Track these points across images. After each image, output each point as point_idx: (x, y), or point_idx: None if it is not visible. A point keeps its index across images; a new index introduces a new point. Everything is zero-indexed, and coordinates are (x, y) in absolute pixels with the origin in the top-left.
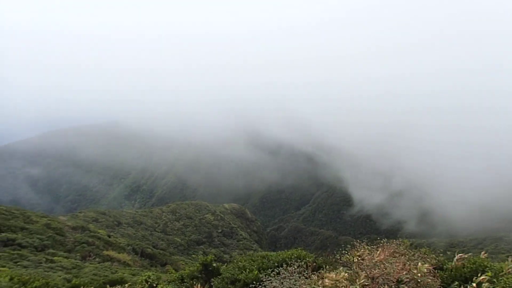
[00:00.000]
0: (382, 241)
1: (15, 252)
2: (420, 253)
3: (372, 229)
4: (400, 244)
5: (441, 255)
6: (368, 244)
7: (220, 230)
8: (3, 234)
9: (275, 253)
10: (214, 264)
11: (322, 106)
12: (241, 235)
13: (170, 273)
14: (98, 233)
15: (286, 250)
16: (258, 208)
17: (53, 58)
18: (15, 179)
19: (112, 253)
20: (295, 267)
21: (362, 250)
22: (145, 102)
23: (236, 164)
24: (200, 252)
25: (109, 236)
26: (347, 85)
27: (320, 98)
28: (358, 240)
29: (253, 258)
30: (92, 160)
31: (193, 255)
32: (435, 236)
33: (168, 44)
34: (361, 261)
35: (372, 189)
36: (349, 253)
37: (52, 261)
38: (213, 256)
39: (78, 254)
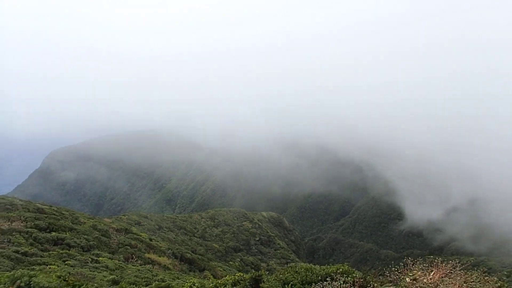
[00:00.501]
0: (436, 260)
1: (63, 251)
2: (479, 275)
3: (417, 244)
4: (456, 265)
5: (504, 278)
6: (415, 260)
7: (257, 238)
8: (53, 233)
9: (319, 266)
10: (265, 279)
11: (373, 112)
12: (278, 244)
13: (209, 279)
14: (140, 236)
15: (330, 265)
16: (296, 217)
17: (112, 75)
18: (64, 181)
19: (153, 256)
20: (341, 282)
21: (415, 269)
22: (188, 112)
23: (275, 172)
24: (238, 259)
25: (151, 240)
26: (402, 88)
27: (369, 103)
28: (410, 258)
29: (296, 270)
30: (136, 165)
31: (230, 262)
32: (495, 256)
33: (209, 55)
34: (413, 281)
35: (424, 203)
36: (398, 271)
37: (97, 261)
38: (265, 271)
39: (122, 255)
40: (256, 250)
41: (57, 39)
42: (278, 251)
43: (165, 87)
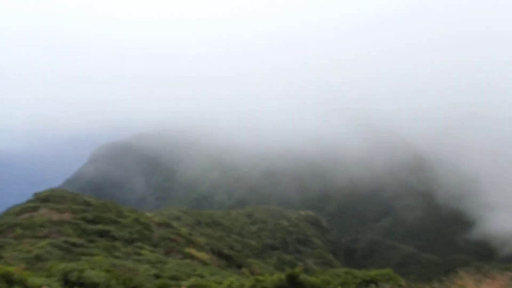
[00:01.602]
0: (487, 267)
1: (109, 243)
2: None
3: (465, 249)
4: None
5: None
6: (464, 267)
7: (294, 237)
8: (99, 226)
9: (360, 271)
10: (302, 277)
11: (436, 110)
12: (315, 243)
13: (246, 277)
14: (180, 230)
15: (374, 269)
16: (334, 217)
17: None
18: (108, 175)
19: (192, 251)
20: None
21: (466, 279)
22: (218, 109)
23: (312, 170)
24: (275, 257)
25: (190, 234)
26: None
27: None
28: (455, 264)
29: (336, 272)
30: (174, 162)
31: (267, 260)
32: None
33: (234, 52)
34: None
35: (485, 205)
36: (446, 279)
37: (139, 254)
38: (301, 268)
39: (162, 249)
40: (293, 249)
41: (96, 42)
42: (315, 251)
43: (193, 85)
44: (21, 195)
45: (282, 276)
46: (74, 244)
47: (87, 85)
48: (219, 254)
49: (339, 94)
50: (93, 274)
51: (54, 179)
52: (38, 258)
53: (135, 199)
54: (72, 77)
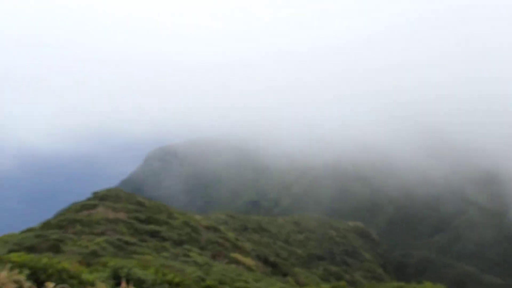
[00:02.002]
0: None
1: (159, 243)
2: None
3: None
4: None
5: None
6: None
7: (342, 248)
8: (151, 226)
9: (413, 284)
10: None
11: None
12: (364, 256)
13: (291, 286)
14: (227, 235)
15: (425, 283)
16: (384, 230)
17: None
18: (162, 178)
19: (238, 256)
20: None
21: None
22: (271, 116)
23: (363, 179)
24: (321, 267)
25: (237, 239)
26: None
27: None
28: None
29: (388, 287)
30: (223, 166)
31: (313, 270)
32: None
33: (279, 59)
34: None
35: None
36: None
37: (187, 256)
38: (345, 282)
39: (209, 252)
40: (340, 260)
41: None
42: (364, 264)
43: (242, 93)
44: (81, 193)
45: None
46: (127, 243)
47: (149, 91)
48: (265, 261)
49: (392, 99)
50: (141, 272)
51: (111, 179)
52: (94, 253)
53: (184, 201)
54: (132, 83)
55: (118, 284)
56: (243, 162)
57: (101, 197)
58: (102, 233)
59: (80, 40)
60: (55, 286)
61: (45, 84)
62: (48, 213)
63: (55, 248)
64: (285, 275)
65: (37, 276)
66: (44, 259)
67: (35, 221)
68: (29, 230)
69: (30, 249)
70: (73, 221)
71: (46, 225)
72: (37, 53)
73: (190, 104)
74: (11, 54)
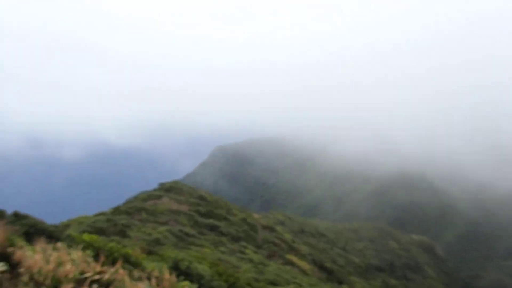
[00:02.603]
0: None
1: (217, 237)
2: None
3: None
4: None
5: None
6: None
7: (403, 261)
8: (210, 220)
9: None
10: None
11: None
12: (427, 272)
13: None
14: (284, 236)
15: None
16: (452, 246)
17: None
18: (223, 174)
19: (294, 258)
20: None
21: None
22: (338, 119)
23: (432, 192)
24: (379, 279)
25: (293, 241)
26: None
27: None
28: None
29: None
30: (282, 167)
31: (371, 281)
32: None
33: (340, 61)
34: None
35: None
36: None
37: (243, 253)
38: None
39: (265, 251)
40: (401, 274)
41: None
42: (426, 280)
43: (308, 95)
44: (149, 183)
45: None
46: (187, 234)
47: (211, 94)
48: (321, 266)
49: (460, 101)
50: (200, 267)
51: (176, 173)
52: (157, 241)
53: (244, 199)
54: (195, 86)
55: (178, 275)
56: (304, 164)
57: (167, 189)
58: (165, 223)
59: (148, 46)
60: (119, 269)
61: (116, 85)
62: (113, 199)
63: (122, 232)
64: (340, 283)
65: (104, 258)
66: (110, 243)
67: (100, 206)
68: (101, 214)
69: (101, 231)
70: (140, 209)
71: (116, 210)
72: (108, 58)
73: (253, 105)
74: (86, 60)
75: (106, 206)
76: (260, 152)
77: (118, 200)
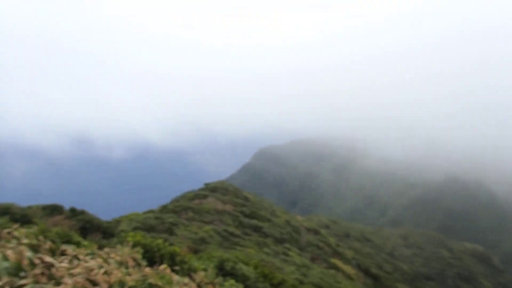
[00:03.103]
0: None
1: (261, 238)
2: None
3: None
4: None
5: None
6: None
7: (455, 271)
8: (254, 221)
9: None
10: None
11: None
12: (482, 284)
13: None
14: (328, 239)
15: None
16: (510, 256)
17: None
18: (266, 176)
19: (338, 262)
20: None
21: None
22: (385, 122)
23: (489, 199)
24: None
25: (337, 245)
26: None
27: None
28: None
29: None
30: (331, 169)
31: None
32: None
33: (375, 60)
34: None
35: None
36: None
37: (287, 255)
38: None
39: (309, 254)
40: (453, 284)
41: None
42: None
43: (341, 96)
44: (192, 183)
45: None
46: (231, 234)
47: (254, 97)
48: (366, 272)
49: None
50: (245, 268)
51: (221, 173)
52: (202, 240)
53: (287, 200)
54: (236, 91)
55: (223, 275)
56: (347, 166)
57: (212, 189)
58: (210, 222)
59: (192, 56)
60: (167, 268)
61: (160, 88)
62: (158, 198)
63: (170, 230)
64: None
65: (151, 255)
66: (158, 240)
67: (147, 204)
68: (150, 211)
69: (151, 229)
70: (187, 208)
71: (164, 209)
72: (153, 66)
73: (294, 108)
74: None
75: (151, 205)
76: (303, 154)
77: (162, 199)
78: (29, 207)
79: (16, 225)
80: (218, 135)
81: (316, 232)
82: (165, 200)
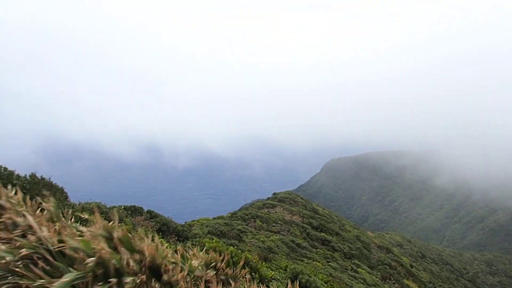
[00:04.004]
0: None
1: (328, 252)
2: None
3: None
4: None
5: None
6: None
7: None
8: (322, 234)
9: None
10: None
11: None
12: None
13: None
14: (401, 259)
15: None
16: None
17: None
18: (335, 188)
19: (412, 284)
20: None
21: None
22: (462, 134)
23: None
24: None
25: (411, 266)
26: None
27: None
28: None
29: None
30: (409, 184)
31: None
32: None
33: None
34: None
35: None
36: None
37: (356, 271)
38: None
39: (379, 273)
40: None
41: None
42: None
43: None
44: (261, 192)
45: None
46: (298, 245)
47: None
48: None
49: None
50: (320, 282)
51: (290, 183)
52: (269, 249)
53: (358, 215)
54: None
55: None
56: (424, 182)
57: (280, 199)
58: (277, 232)
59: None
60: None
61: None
62: (218, 205)
63: (238, 237)
64: None
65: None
66: (230, 247)
67: (212, 210)
68: (220, 217)
69: (221, 234)
70: (255, 216)
71: (233, 216)
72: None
73: (363, 119)
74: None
75: (214, 212)
76: (374, 168)
77: (223, 207)
78: (113, 207)
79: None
80: (286, 147)
81: (388, 250)
82: (226, 207)
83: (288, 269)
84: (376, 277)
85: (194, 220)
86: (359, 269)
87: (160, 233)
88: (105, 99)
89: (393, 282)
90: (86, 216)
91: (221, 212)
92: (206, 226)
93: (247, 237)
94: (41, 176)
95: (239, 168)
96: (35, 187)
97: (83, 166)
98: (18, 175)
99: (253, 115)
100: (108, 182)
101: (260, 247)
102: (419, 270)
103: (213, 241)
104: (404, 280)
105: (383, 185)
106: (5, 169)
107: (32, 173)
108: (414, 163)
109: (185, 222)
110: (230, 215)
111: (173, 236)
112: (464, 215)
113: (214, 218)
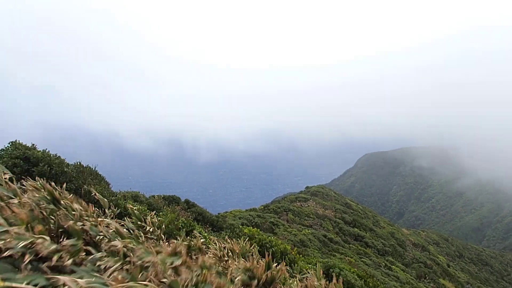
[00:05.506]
0: None
1: (361, 248)
2: None
3: None
4: None
5: None
6: None
7: None
8: (355, 229)
9: None
10: None
11: None
12: None
13: None
14: (438, 258)
15: None
16: None
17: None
18: (371, 184)
19: (448, 284)
20: None
21: None
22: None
23: None
24: None
25: (448, 266)
26: None
27: None
28: None
29: None
30: (445, 181)
31: None
32: None
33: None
34: None
35: None
36: None
37: (389, 269)
38: None
39: (414, 271)
40: None
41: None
42: None
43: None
44: (296, 185)
45: None
46: (331, 240)
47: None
48: None
49: None
50: (351, 275)
51: (323, 177)
52: (301, 242)
53: (393, 211)
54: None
55: (327, 281)
56: (462, 179)
57: (313, 193)
58: (309, 226)
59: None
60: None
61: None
62: (254, 198)
63: (271, 229)
64: None
65: (262, 251)
66: (270, 236)
67: (244, 203)
68: (252, 210)
69: (255, 226)
70: (287, 209)
71: (265, 208)
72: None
73: (402, 112)
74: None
75: (249, 204)
76: (412, 162)
77: (261, 199)
78: (152, 197)
79: (152, 213)
80: (325, 138)
81: (424, 248)
82: (258, 201)
83: (319, 262)
84: (411, 276)
85: (226, 212)
86: (393, 266)
87: (197, 222)
88: (128, 95)
89: (428, 281)
90: (131, 206)
91: (252, 205)
92: (239, 218)
93: (279, 230)
94: (87, 165)
95: (271, 162)
96: (80, 176)
97: (106, 158)
98: (68, 163)
99: (285, 113)
100: (138, 174)
101: (292, 241)
102: (456, 270)
103: (254, 230)
104: (440, 279)
105: (420, 182)
106: (58, 157)
107: (77, 162)
108: (453, 159)
109: (218, 213)
110: (262, 207)
111: (207, 226)
112: (506, 214)
113: (246, 210)
